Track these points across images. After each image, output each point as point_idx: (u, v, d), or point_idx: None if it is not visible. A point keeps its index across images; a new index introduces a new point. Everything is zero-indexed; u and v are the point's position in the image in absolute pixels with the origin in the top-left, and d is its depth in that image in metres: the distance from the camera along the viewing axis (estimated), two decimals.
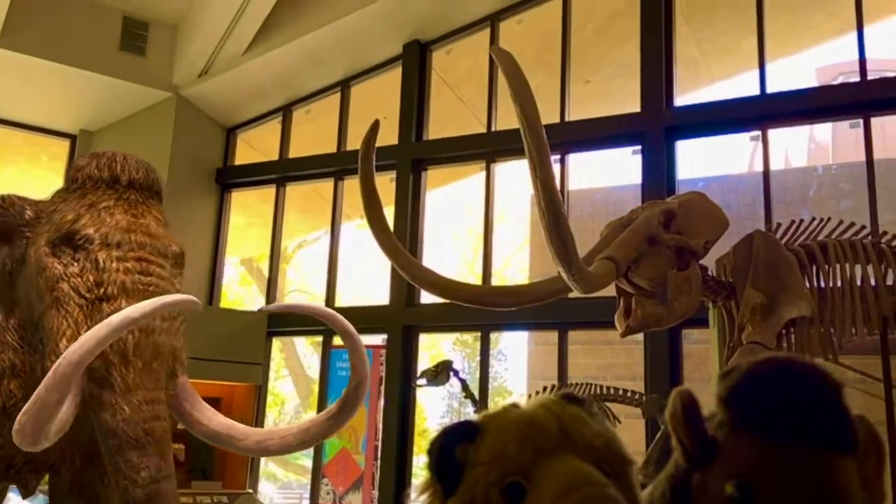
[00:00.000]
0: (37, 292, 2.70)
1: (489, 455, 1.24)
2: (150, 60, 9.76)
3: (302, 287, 18.53)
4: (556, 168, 8.30)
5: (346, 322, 3.01)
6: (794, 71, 11.16)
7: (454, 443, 1.28)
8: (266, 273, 10.64)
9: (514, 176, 10.21)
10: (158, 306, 2.50)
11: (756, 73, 8.01)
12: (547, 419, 1.27)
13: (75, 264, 2.65)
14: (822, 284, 4.74)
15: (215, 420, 2.79)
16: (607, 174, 12.39)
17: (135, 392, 2.52)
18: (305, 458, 17.72)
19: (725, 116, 8.09)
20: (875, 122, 7.69)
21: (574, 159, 8.89)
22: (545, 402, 1.33)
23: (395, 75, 9.77)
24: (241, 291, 17.57)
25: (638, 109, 8.34)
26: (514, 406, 1.34)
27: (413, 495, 1.32)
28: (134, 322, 2.46)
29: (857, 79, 7.87)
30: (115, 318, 2.41)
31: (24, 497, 3.22)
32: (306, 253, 17.90)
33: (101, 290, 2.59)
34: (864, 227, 5.06)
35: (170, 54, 9.92)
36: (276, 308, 3.00)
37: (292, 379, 19.68)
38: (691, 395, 1.26)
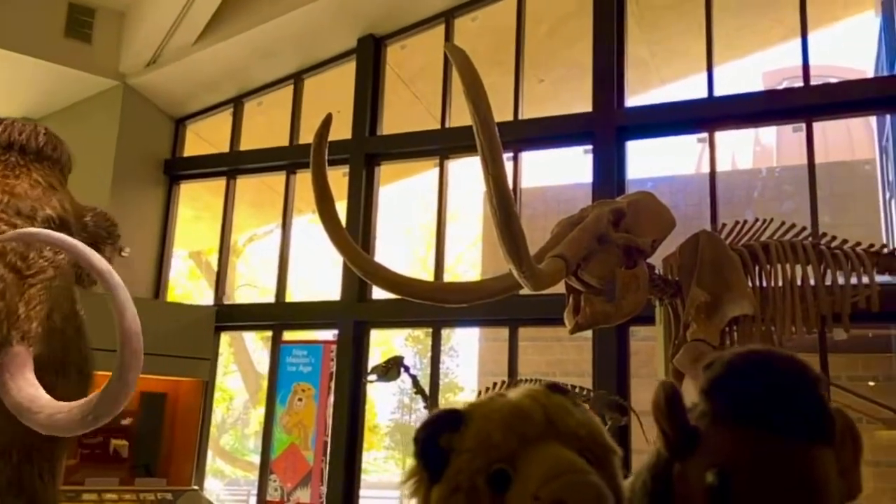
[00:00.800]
0: None
1: (474, 442, 1.26)
2: (97, 48, 9.52)
3: (252, 281, 18.30)
4: (509, 166, 8.35)
5: (94, 257, 2.51)
6: (741, 75, 11.45)
7: (439, 431, 1.30)
8: (215, 267, 10.48)
9: (467, 173, 10.25)
10: None
11: (704, 75, 8.19)
12: (532, 408, 1.29)
13: None
14: (764, 284, 4.88)
15: (24, 392, 2.42)
16: (559, 173, 12.53)
17: None
18: (253, 455, 17.52)
19: (674, 118, 8.25)
20: (817, 126, 7.93)
21: (526, 157, 8.96)
22: (530, 391, 1.35)
23: (349, 69, 9.71)
24: (189, 285, 17.27)
25: (590, 109, 8.45)
26: (500, 395, 1.36)
27: (399, 482, 1.34)
28: None
29: (800, 83, 8.11)
30: None
31: None
32: (257, 247, 17.69)
33: None
34: (804, 228, 5.22)
35: (117, 42, 9.68)
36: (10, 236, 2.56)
37: (241, 374, 19.44)
38: (674, 387, 1.29)
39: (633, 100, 8.74)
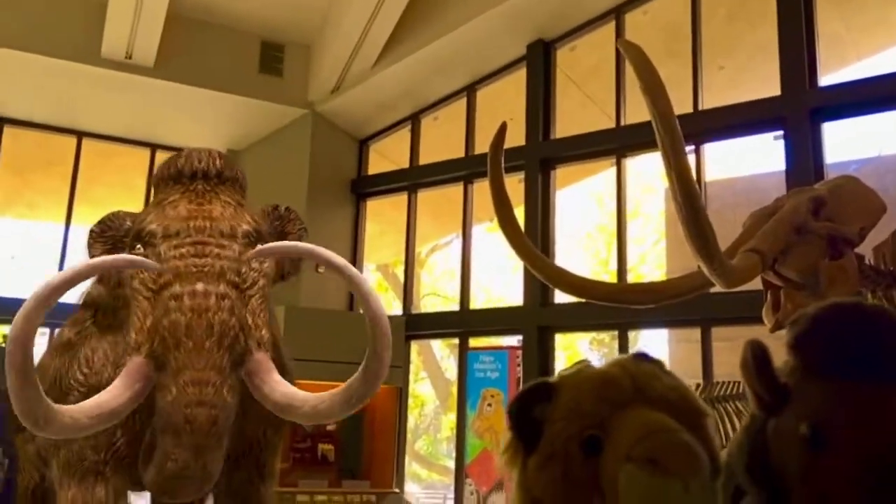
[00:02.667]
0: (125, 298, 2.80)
1: (566, 411, 1.30)
2: (287, 80, 10.29)
3: (436, 290, 18.87)
4: (692, 159, 8.01)
5: (331, 254, 2.82)
6: None
7: (532, 403, 1.35)
8: (401, 278, 10.91)
9: (646, 170, 9.96)
10: (123, 261, 2.62)
11: None
12: (620, 375, 1.32)
13: None
14: None
15: (278, 391, 2.64)
16: (747, 162, 11.83)
17: (182, 372, 2.46)
18: (448, 460, 18.00)
19: (876, 94, 7.52)
20: None
21: (710, 149, 8.56)
22: (619, 360, 1.39)
23: (519, 76, 9.77)
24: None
25: (778, 93, 7.91)
26: (588, 366, 1.40)
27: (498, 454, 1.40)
28: (94, 269, 2.56)
29: None
30: (55, 279, 2.44)
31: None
32: (439, 257, 18.21)
33: (162, 280, 2.61)
34: None
35: (304, 73, 10.41)
36: (269, 251, 2.82)
37: (430, 381, 20.05)
38: (761, 345, 1.30)
39: (827, 78, 8.08)
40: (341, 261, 2.80)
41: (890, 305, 4.45)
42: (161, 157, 10.84)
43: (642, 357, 1.39)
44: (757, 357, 1.29)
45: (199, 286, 2.57)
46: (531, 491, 1.31)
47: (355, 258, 10.68)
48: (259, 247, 2.84)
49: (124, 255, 2.72)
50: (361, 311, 2.75)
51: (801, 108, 7.67)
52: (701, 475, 1.18)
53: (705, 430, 1.29)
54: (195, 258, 2.65)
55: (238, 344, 2.59)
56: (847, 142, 9.16)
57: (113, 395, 2.46)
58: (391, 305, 16.44)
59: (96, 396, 2.48)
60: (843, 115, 7.79)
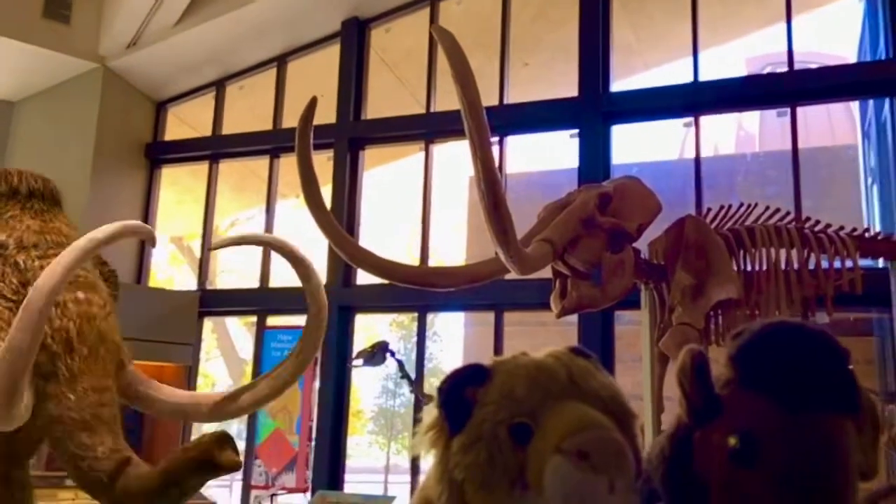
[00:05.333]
0: None
1: (498, 395, 1.29)
2: (76, 29, 9.35)
3: (234, 266, 18.18)
4: (495, 150, 8.32)
5: (296, 248, 2.95)
6: (724, 60, 11.45)
7: (464, 384, 1.33)
8: (198, 253, 10.39)
9: (452, 157, 10.21)
10: (120, 228, 2.45)
11: (689, 60, 8.19)
12: (556, 366, 1.32)
13: None
14: (749, 268, 4.91)
15: (177, 394, 2.71)
16: (544, 158, 12.51)
17: (80, 379, 2.42)
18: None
19: (660, 103, 8.25)
20: (799, 111, 7.97)
21: (512, 142, 8.94)
22: (555, 352, 1.38)
23: (333, 52, 9.62)
24: (171, 271, 17.12)
25: (576, 94, 8.43)
26: (523, 354, 1.39)
27: (418, 433, 1.35)
28: (100, 243, 2.38)
29: (782, 69, 8.12)
30: (81, 241, 2.33)
31: None
32: (239, 230, 17.54)
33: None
34: (788, 212, 5.25)
35: (96, 24, 9.52)
36: (224, 242, 2.89)
37: (224, 360, 19.35)
38: (701, 352, 1.31)
39: (617, 84, 8.73)
40: (300, 254, 2.93)
41: (658, 297, 4.91)
42: None
43: (578, 352, 1.39)
44: (696, 365, 1.29)
45: (80, 294, 2.53)
46: (452, 472, 1.28)
47: None
48: (236, 235, 2.86)
49: (124, 222, 2.52)
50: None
51: (594, 110, 8.22)
52: (627, 475, 1.19)
53: (633, 431, 1.31)
54: None
55: (119, 353, 2.63)
56: (631, 145, 9.96)
57: None
58: (185, 280, 15.63)
59: None
60: (630, 119, 8.46)
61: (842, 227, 5.16)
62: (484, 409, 1.28)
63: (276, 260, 9.86)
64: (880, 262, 5.77)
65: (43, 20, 9.11)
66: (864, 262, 5.19)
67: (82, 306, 2.53)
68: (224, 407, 2.73)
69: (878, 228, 7.74)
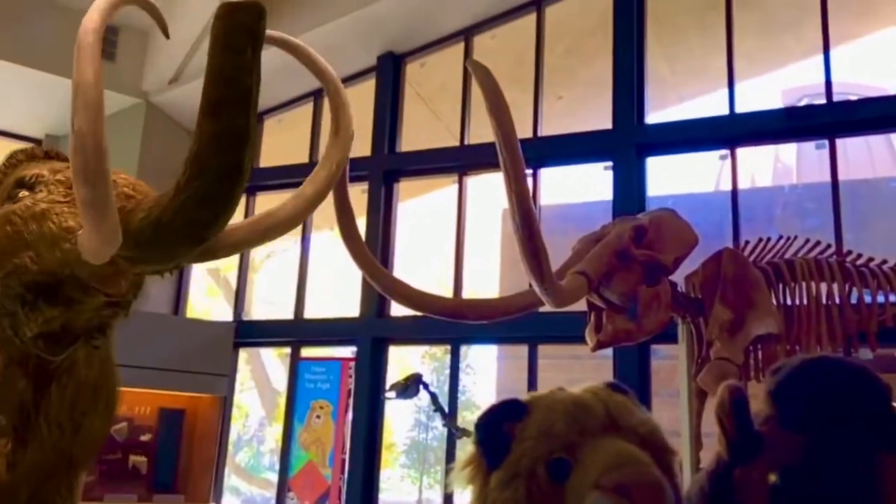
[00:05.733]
0: None
1: (537, 431, 1.28)
2: (120, 66, 9.64)
3: (270, 297, 18.34)
4: (529, 182, 8.33)
5: (321, 60, 2.75)
6: (761, 92, 11.37)
7: (502, 419, 1.33)
8: (233, 283, 10.50)
9: (486, 189, 10.24)
10: None
11: (724, 93, 8.14)
12: (594, 402, 1.31)
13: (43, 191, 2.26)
14: (789, 302, 4.81)
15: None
16: (579, 190, 12.48)
17: None
18: (269, 472, 17.48)
19: (695, 135, 8.21)
20: (838, 143, 7.87)
21: (546, 174, 8.95)
22: (592, 387, 1.38)
23: (368, 87, 9.76)
24: (207, 302, 17.32)
25: (609, 126, 8.42)
26: (561, 389, 1.38)
27: (455, 468, 1.34)
28: None
29: (821, 101, 8.03)
30: None
31: None
32: (275, 262, 17.73)
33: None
34: (829, 245, 5.15)
35: (140, 60, 9.81)
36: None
37: (258, 391, 19.43)
38: (740, 388, 1.29)
39: (652, 116, 8.72)
40: (326, 68, 2.77)
41: (696, 331, 4.83)
42: None
43: (615, 387, 1.39)
44: (736, 401, 1.28)
45: None
46: None
47: None
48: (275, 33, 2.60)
49: None
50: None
51: (628, 143, 8.20)
52: None
53: (672, 468, 1.29)
54: None
55: None
56: (667, 177, 9.91)
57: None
58: (222, 311, 15.80)
59: None
60: (665, 151, 8.42)
61: (885, 261, 5.04)
62: (522, 444, 1.28)
63: (311, 290, 9.93)
64: None
65: None
66: None
67: None
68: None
69: None
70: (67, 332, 2.10)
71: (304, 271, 9.73)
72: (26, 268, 2.05)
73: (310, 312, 9.61)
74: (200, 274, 14.47)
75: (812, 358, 1.30)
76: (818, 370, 1.26)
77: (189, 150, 1.91)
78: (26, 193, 2.27)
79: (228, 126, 1.85)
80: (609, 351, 6.76)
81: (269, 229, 2.37)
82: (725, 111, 8.13)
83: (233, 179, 1.89)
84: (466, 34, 9.38)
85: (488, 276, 16.06)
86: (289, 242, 13.14)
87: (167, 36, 2.81)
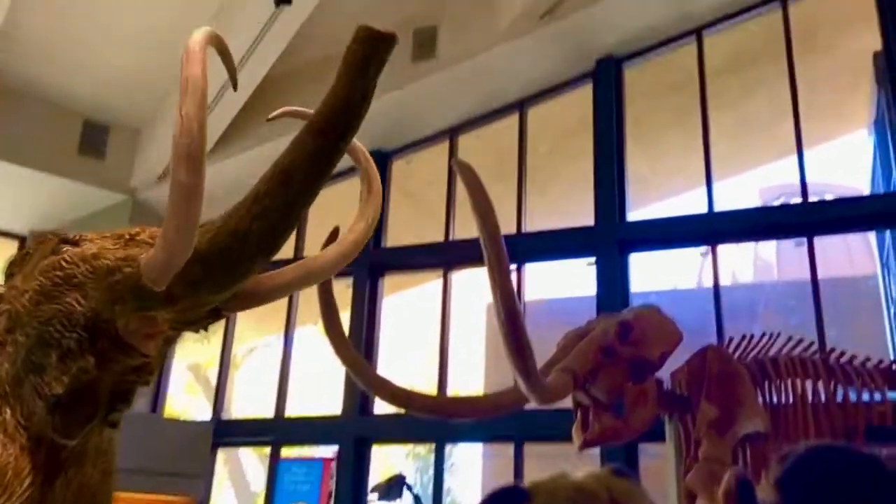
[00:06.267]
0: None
1: None
2: (110, 163, 9.76)
3: (250, 394, 17.98)
4: (513, 278, 8.38)
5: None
6: (738, 190, 11.68)
7: None
8: (213, 380, 10.31)
9: (471, 283, 10.28)
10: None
11: (702, 191, 8.34)
12: (597, 488, 1.29)
13: None
14: (775, 400, 4.77)
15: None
16: (562, 285, 12.55)
17: None
18: None
19: (676, 232, 8.35)
20: (816, 241, 8.01)
21: (530, 268, 9.01)
22: (595, 473, 1.34)
23: (354, 183, 9.86)
24: (185, 400, 16.95)
25: (591, 223, 8.56)
26: (562, 476, 1.35)
27: None
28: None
29: (795, 199, 8.23)
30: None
31: None
32: (256, 359, 17.48)
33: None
34: (812, 342, 5.15)
35: (129, 157, 9.94)
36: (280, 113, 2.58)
37: (234, 492, 18.77)
38: (745, 475, 1.29)
39: (634, 214, 8.88)
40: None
41: (683, 430, 4.76)
42: None
43: (618, 472, 1.36)
44: (741, 486, 1.28)
45: None
46: None
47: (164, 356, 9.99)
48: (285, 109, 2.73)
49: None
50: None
51: (611, 239, 8.31)
52: None
53: None
54: None
55: None
56: (649, 273, 10.00)
57: None
58: (200, 410, 15.44)
59: None
60: (646, 248, 8.54)
61: (868, 359, 5.05)
62: None
63: (293, 387, 9.76)
64: None
65: (78, 156, 9.53)
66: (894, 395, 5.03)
67: None
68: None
69: None
70: (89, 400, 2.02)
71: (286, 368, 9.59)
72: (71, 309, 2.03)
73: (291, 410, 9.40)
74: (180, 369, 14.22)
75: (817, 445, 1.31)
76: (823, 459, 1.27)
77: (277, 162, 1.99)
78: (70, 248, 2.23)
79: (331, 146, 1.93)
80: (597, 449, 6.64)
81: (313, 273, 2.45)
82: (705, 209, 8.30)
83: (312, 195, 1.98)
84: (452, 133, 9.63)
85: (473, 369, 15.90)
86: (272, 338, 13.00)
87: (235, 88, 2.81)
